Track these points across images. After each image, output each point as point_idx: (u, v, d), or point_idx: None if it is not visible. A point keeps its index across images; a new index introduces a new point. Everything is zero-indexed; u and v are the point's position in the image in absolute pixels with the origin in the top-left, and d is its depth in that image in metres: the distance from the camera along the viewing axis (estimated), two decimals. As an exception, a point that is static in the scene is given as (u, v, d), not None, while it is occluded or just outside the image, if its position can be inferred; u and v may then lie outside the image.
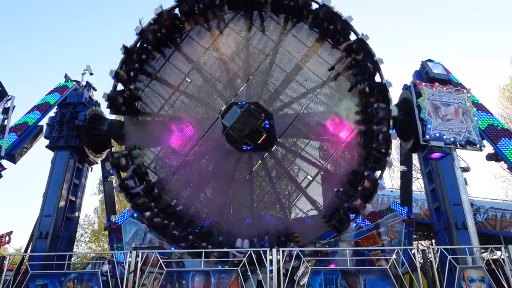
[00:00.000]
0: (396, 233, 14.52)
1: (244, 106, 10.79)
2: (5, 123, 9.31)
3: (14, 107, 9.51)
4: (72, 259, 22.25)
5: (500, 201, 21.58)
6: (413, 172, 22.91)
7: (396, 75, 56.04)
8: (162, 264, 7.99)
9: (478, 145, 9.08)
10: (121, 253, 11.27)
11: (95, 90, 16.12)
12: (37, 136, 13.40)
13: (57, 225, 12.55)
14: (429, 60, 14.48)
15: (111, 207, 14.69)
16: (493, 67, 60.06)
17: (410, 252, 8.65)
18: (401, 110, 11.90)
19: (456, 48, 65.36)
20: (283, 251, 7.62)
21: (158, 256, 8.11)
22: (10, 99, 9.58)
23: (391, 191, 24.26)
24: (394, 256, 8.18)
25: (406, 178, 13.70)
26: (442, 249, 8.55)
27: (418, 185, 27.12)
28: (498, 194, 29.62)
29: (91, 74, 16.09)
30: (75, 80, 15.29)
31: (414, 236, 23.89)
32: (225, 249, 8.10)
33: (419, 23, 71.59)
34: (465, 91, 9.73)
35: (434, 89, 9.48)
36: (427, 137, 8.91)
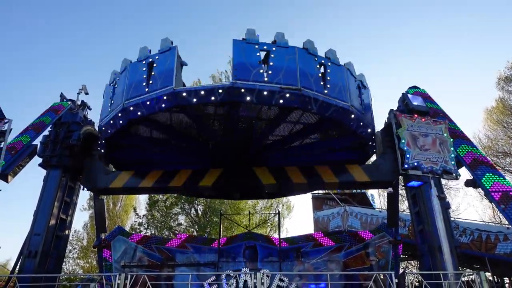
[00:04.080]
0: (383, 254, 14.81)
1: None
2: (1, 145, 9.49)
3: (11, 130, 9.73)
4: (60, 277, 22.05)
5: (485, 223, 22.04)
6: (402, 192, 23.39)
7: (385, 96, 57.54)
8: (150, 286, 8.17)
9: (454, 174, 9.58)
10: (110, 274, 11.34)
11: (90, 109, 16.45)
12: (31, 155, 13.59)
13: (46, 243, 12.61)
14: (414, 87, 15.09)
15: (101, 225, 14.78)
16: (480, 87, 61.75)
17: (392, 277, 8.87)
18: (387, 135, 12.40)
19: (445, 67, 67.14)
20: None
21: (147, 278, 8.30)
22: (7, 122, 9.80)
23: (380, 211, 24.58)
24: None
25: (392, 200, 14.06)
26: (424, 274, 8.86)
27: (406, 205, 27.54)
28: (486, 214, 30.12)
29: (87, 93, 16.43)
30: (70, 100, 15.61)
31: (403, 256, 24.15)
32: (215, 273, 8.30)
33: (409, 44, 73.66)
34: (442, 122, 10.26)
35: (413, 120, 10.02)
36: (406, 166, 9.38)
